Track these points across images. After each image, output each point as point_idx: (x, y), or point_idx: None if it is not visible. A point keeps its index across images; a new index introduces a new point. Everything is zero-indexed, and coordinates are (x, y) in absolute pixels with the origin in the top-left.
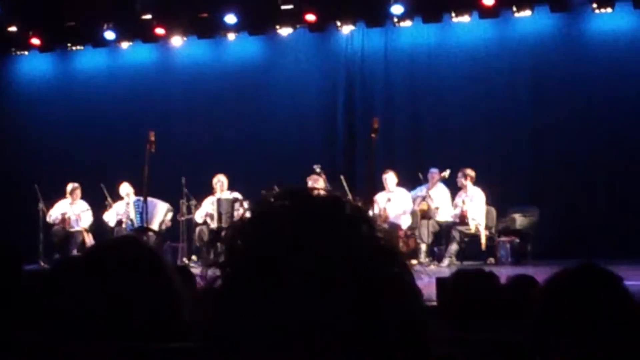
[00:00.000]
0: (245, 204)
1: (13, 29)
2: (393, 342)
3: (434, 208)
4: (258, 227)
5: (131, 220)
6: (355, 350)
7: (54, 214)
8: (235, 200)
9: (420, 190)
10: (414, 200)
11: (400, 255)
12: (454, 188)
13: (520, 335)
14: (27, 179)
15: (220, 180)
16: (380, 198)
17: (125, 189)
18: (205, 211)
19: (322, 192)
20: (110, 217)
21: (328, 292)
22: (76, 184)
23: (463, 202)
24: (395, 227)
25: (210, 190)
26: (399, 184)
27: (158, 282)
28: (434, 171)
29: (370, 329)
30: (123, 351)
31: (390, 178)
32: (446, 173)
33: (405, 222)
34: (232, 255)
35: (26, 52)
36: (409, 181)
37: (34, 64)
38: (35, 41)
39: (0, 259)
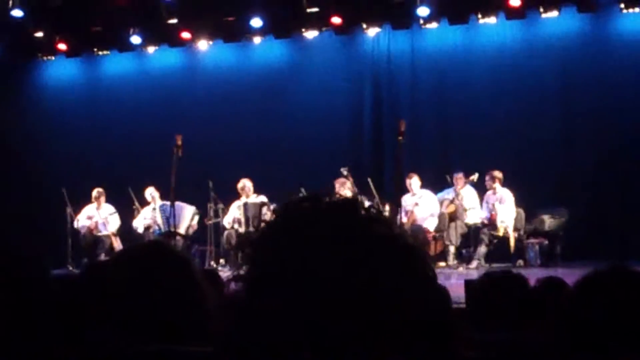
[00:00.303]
0: (272, 208)
1: (40, 34)
2: (417, 338)
3: (463, 210)
4: (274, 237)
5: (158, 225)
6: (377, 350)
7: (81, 220)
8: (262, 204)
9: (447, 193)
10: (441, 202)
11: (420, 253)
12: (482, 190)
13: (550, 337)
14: (55, 184)
15: (245, 185)
16: (406, 201)
17: (150, 192)
18: (233, 216)
19: (336, 196)
20: (138, 223)
21: (346, 293)
22: (101, 189)
23: (493, 205)
24: (422, 229)
25: (237, 194)
26: (426, 187)
27: (186, 287)
28: (458, 175)
29: (391, 326)
30: (141, 355)
31: (414, 182)
32: (474, 177)
33: (432, 225)
34: (252, 265)
35: (53, 58)
36: (437, 184)
37: (61, 69)
38: (62, 46)
39: (24, 266)
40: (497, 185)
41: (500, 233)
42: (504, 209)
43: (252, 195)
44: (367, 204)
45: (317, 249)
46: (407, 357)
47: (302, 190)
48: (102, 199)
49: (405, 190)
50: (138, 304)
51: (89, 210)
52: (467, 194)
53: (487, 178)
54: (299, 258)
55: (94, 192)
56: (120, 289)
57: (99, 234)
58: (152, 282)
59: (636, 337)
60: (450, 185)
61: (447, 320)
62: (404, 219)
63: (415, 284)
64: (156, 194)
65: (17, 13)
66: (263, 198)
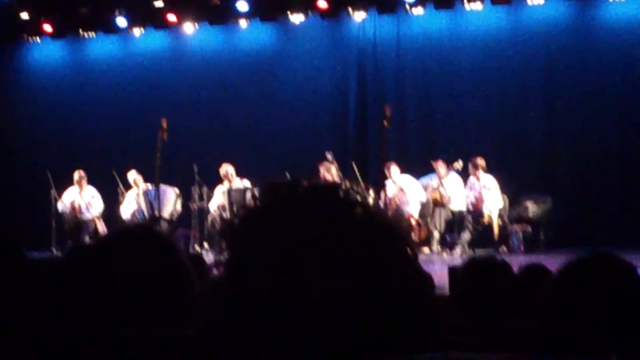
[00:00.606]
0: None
1: (25, 15)
2: (398, 322)
3: (447, 197)
4: (253, 222)
5: (142, 210)
6: (359, 334)
7: (63, 203)
8: (246, 189)
9: (430, 179)
10: (425, 188)
11: (402, 235)
12: (466, 177)
13: (533, 323)
14: (39, 166)
15: (227, 171)
16: (390, 186)
17: (133, 177)
18: (217, 203)
19: (318, 181)
20: (125, 210)
21: (327, 276)
22: (82, 172)
23: (480, 192)
24: (406, 215)
25: (221, 178)
26: (411, 171)
27: (172, 272)
28: (437, 162)
29: (372, 309)
30: (123, 338)
31: (394, 170)
32: (459, 164)
33: (415, 211)
34: (232, 250)
35: (38, 39)
36: (421, 169)
37: (46, 50)
38: (47, 27)
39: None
40: (480, 172)
41: (485, 220)
42: (489, 195)
43: (236, 179)
44: (349, 188)
45: (296, 233)
46: (388, 340)
47: (287, 175)
48: (84, 181)
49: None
50: (123, 288)
51: (71, 193)
52: (452, 181)
53: (470, 165)
54: (278, 243)
55: (75, 175)
56: (106, 273)
57: (82, 217)
58: (137, 266)
59: (618, 322)
60: (434, 170)
61: (430, 304)
62: (387, 204)
63: (396, 266)
64: (139, 178)
65: None
66: (247, 183)
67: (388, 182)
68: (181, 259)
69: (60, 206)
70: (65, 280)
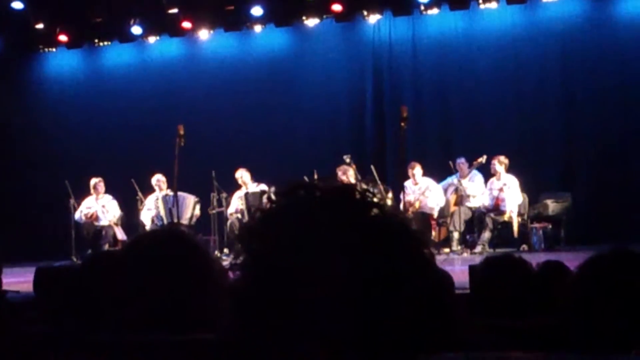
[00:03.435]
0: (268, 196)
1: (40, 26)
2: (418, 322)
3: (466, 196)
4: (269, 225)
5: (161, 216)
6: (379, 335)
7: (81, 212)
8: (262, 192)
9: (451, 180)
10: (445, 189)
11: (420, 236)
12: (487, 175)
13: (553, 321)
14: (58, 176)
15: (243, 175)
16: (410, 188)
17: (156, 178)
18: (235, 208)
19: (331, 183)
20: (145, 217)
21: (345, 277)
22: (98, 179)
23: (499, 190)
24: (426, 215)
25: (238, 184)
26: (429, 173)
27: (203, 276)
28: (460, 161)
29: (392, 310)
30: (146, 344)
31: (417, 172)
32: (483, 159)
33: (435, 211)
34: (249, 253)
35: (54, 49)
36: (440, 170)
37: (62, 60)
38: (63, 38)
39: None
40: (502, 170)
41: (505, 218)
42: (509, 194)
43: (252, 184)
44: (365, 189)
45: (313, 235)
46: (408, 341)
47: (305, 178)
48: (101, 186)
49: (408, 176)
50: (152, 293)
51: (88, 201)
52: (473, 180)
53: (493, 162)
54: (295, 245)
55: (92, 182)
56: (133, 278)
57: (100, 223)
58: (168, 269)
59: (639, 319)
60: (452, 171)
61: (449, 304)
62: (406, 205)
63: (414, 267)
64: (163, 180)
65: (17, 5)
66: (263, 187)
67: (407, 184)
68: (212, 262)
69: (77, 215)
70: (83, 287)
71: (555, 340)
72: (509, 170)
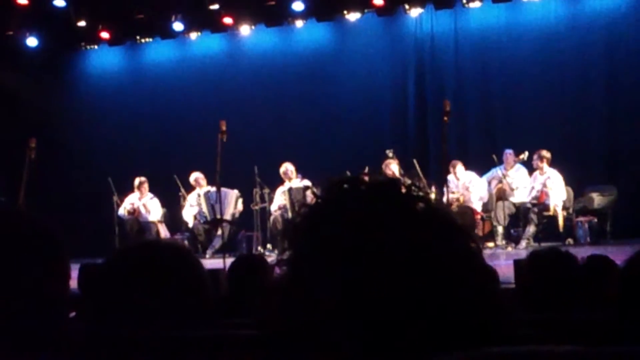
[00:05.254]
0: (313, 191)
1: (82, 23)
2: (464, 317)
3: (510, 189)
4: (315, 220)
5: (203, 212)
6: (425, 330)
7: (123, 209)
8: (306, 187)
9: (496, 172)
10: (489, 182)
11: (466, 230)
12: (530, 170)
13: (599, 315)
14: (101, 173)
15: (287, 169)
16: (454, 183)
17: (194, 176)
18: (278, 204)
19: (376, 177)
20: (187, 215)
21: (391, 272)
22: (143, 178)
23: (544, 184)
24: (470, 209)
25: (281, 179)
26: (472, 167)
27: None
28: (508, 152)
29: (439, 305)
30: (179, 339)
31: (459, 170)
32: (524, 155)
33: (479, 206)
34: (294, 249)
35: (96, 46)
36: (483, 163)
37: (103, 57)
38: (105, 35)
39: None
40: (544, 165)
41: (550, 212)
42: (554, 188)
43: (296, 179)
44: (411, 183)
45: (358, 229)
46: (454, 336)
47: (348, 173)
48: (144, 187)
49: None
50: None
51: (131, 198)
52: (517, 173)
53: (534, 157)
54: (340, 240)
55: (136, 181)
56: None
57: (143, 220)
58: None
59: None
60: (496, 164)
61: (495, 298)
62: (450, 200)
63: (460, 261)
64: (201, 177)
65: (59, 3)
66: (307, 182)
67: (450, 178)
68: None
69: (121, 211)
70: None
71: (602, 334)
72: (553, 164)
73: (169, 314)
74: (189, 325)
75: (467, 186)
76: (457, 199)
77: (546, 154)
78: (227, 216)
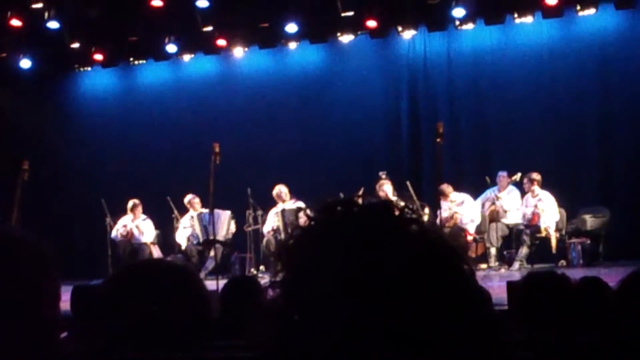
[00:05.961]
0: (306, 212)
1: (76, 45)
2: (458, 338)
3: (503, 211)
4: (308, 242)
5: (196, 234)
6: (418, 351)
7: (116, 231)
8: (299, 209)
9: (489, 194)
10: (483, 204)
11: (458, 252)
12: (523, 192)
13: (593, 336)
14: (94, 194)
15: (281, 191)
16: (445, 204)
17: (188, 198)
18: (271, 225)
19: (369, 199)
20: (180, 237)
21: (384, 294)
22: (137, 201)
23: (536, 206)
24: (463, 231)
25: (274, 201)
26: (466, 188)
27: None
28: (502, 174)
29: (431, 327)
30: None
31: (449, 191)
32: (517, 176)
33: (472, 227)
34: (287, 271)
35: (89, 68)
36: (476, 185)
37: (97, 79)
38: (98, 57)
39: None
40: (535, 187)
41: (542, 234)
42: (545, 210)
43: (289, 201)
44: (404, 205)
45: (351, 251)
46: (447, 357)
47: (341, 195)
48: (138, 210)
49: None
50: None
51: (124, 221)
52: (509, 195)
53: (525, 180)
54: (333, 262)
55: (129, 203)
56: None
57: (136, 242)
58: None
59: None
60: (490, 186)
61: (488, 320)
62: (443, 222)
63: (453, 283)
64: (196, 200)
65: (53, 25)
66: (300, 204)
67: (442, 201)
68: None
69: (114, 233)
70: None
71: (594, 356)
72: (545, 185)
73: (170, 333)
74: (188, 347)
75: (458, 204)
76: (449, 220)
77: (536, 176)
78: (220, 237)
